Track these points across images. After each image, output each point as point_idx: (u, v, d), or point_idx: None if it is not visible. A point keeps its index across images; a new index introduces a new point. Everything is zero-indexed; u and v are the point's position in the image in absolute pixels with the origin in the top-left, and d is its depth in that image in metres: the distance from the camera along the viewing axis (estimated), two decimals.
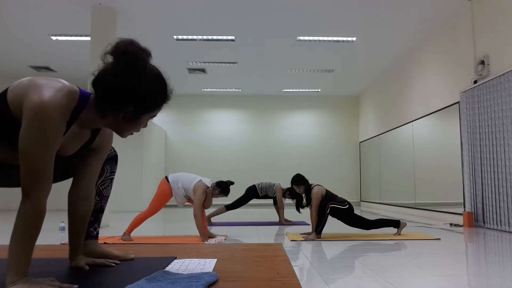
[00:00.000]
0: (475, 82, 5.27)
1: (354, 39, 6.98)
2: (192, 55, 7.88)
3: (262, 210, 8.75)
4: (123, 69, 1.19)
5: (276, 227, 5.17)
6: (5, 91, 1.20)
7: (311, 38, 6.96)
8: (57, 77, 1.55)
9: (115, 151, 1.67)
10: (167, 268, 1.46)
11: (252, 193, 5.73)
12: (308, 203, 4.23)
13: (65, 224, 4.34)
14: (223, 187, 3.99)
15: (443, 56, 6.25)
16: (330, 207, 3.97)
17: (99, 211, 1.63)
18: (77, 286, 1.17)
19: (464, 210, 5.43)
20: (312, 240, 3.87)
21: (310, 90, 10.68)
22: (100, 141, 1.45)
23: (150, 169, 9.49)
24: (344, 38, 6.97)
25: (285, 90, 10.67)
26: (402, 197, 7.90)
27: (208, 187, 3.93)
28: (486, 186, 4.98)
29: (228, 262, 1.60)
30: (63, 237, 3.92)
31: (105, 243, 3.18)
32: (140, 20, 6.18)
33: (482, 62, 5.10)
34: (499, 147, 4.74)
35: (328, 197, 4.07)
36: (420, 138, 7.10)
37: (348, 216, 4.09)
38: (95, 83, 1.22)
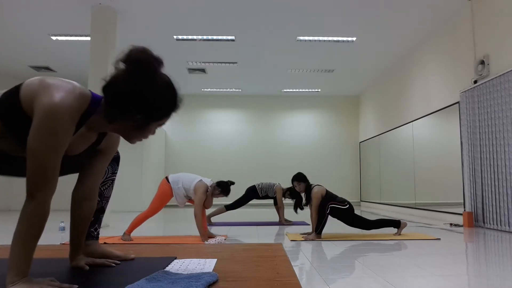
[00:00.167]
0: (475, 82, 5.27)
1: (354, 39, 6.98)
2: (192, 55, 7.88)
3: (262, 210, 8.75)
4: (135, 77, 1.19)
5: (276, 227, 5.17)
6: (18, 87, 1.21)
7: (311, 38, 6.96)
8: (57, 77, 1.55)
9: (117, 152, 1.68)
10: (167, 268, 1.46)
11: (252, 193, 5.73)
12: (308, 203, 4.23)
13: (65, 224, 4.34)
14: (223, 187, 3.99)
15: (443, 56, 6.25)
16: (330, 207, 3.97)
17: (100, 211, 1.64)
18: (77, 286, 1.17)
19: (464, 210, 5.43)
20: (312, 240, 3.87)
21: (310, 90, 10.68)
22: (107, 143, 1.45)
23: (150, 169, 9.48)
24: (344, 38, 6.97)
25: (285, 90, 10.67)
26: (402, 197, 7.90)
27: (209, 187, 3.94)
28: (486, 186, 4.98)
29: (228, 262, 1.61)
30: (63, 237, 3.93)
31: (105, 243, 3.18)
32: (140, 20, 6.18)
33: (482, 62, 5.10)
34: (499, 147, 4.74)
35: (328, 197, 4.06)
36: (420, 138, 7.10)
37: (348, 216, 4.09)
38: (105, 88, 1.23)
